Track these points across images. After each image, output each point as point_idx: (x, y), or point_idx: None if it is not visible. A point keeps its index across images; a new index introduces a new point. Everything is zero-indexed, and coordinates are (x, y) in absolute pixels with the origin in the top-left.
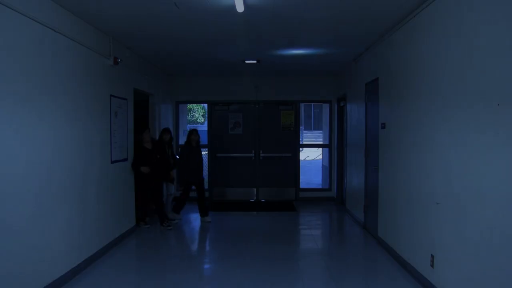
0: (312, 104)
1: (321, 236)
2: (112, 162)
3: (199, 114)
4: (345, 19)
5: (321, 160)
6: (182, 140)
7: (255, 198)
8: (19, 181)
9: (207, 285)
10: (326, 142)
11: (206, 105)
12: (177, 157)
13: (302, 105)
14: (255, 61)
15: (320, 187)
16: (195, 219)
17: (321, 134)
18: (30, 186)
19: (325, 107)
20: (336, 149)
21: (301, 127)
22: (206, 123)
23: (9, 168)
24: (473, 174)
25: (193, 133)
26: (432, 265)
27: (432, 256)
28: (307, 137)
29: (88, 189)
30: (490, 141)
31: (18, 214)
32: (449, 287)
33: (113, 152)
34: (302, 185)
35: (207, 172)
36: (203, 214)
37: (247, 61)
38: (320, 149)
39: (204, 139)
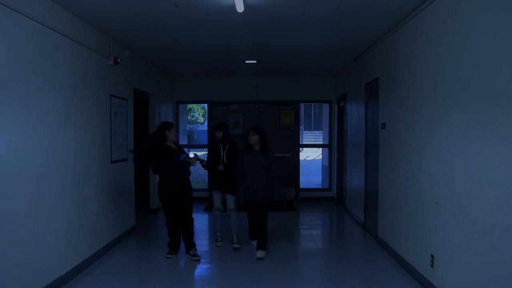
0: (312, 104)
1: (321, 236)
2: (112, 162)
3: (199, 114)
4: (345, 19)
5: (321, 160)
6: (183, 141)
7: None
8: (18, 181)
9: (207, 285)
10: (326, 142)
11: (206, 105)
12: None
13: (302, 105)
14: (255, 61)
15: (320, 187)
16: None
17: (321, 134)
18: (30, 186)
19: (325, 107)
20: (336, 149)
21: (301, 127)
22: (206, 123)
23: (9, 168)
24: (473, 174)
25: (249, 132)
26: (432, 265)
27: (432, 256)
28: (307, 137)
29: (88, 189)
30: (490, 141)
31: (18, 214)
32: (449, 287)
33: (113, 152)
34: (302, 185)
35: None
36: (252, 236)
37: (247, 61)
38: (320, 149)
39: (204, 139)
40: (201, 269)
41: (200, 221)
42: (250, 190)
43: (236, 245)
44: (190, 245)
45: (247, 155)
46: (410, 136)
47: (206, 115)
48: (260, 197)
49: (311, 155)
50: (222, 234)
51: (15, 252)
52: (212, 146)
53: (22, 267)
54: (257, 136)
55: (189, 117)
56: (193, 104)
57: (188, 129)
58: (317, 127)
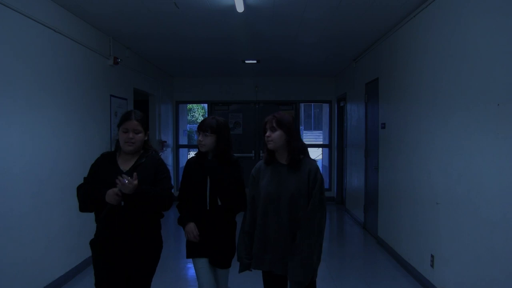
0: (312, 104)
1: None
2: None
3: (199, 114)
4: (345, 19)
5: (321, 160)
6: (183, 141)
7: None
8: (18, 181)
9: None
10: (326, 142)
11: (206, 105)
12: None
13: (302, 105)
14: (255, 61)
15: None
16: None
17: (321, 134)
18: (30, 186)
19: (325, 107)
20: (336, 149)
21: (301, 127)
22: None
23: (9, 167)
24: (473, 174)
25: (265, 125)
26: (432, 265)
27: (432, 256)
28: (307, 137)
29: None
30: (490, 141)
31: (18, 214)
32: (449, 287)
33: None
34: None
35: None
36: None
37: (247, 61)
38: (320, 149)
39: None
40: None
41: None
42: (265, 250)
43: None
44: None
45: (264, 175)
46: (410, 136)
47: (206, 115)
48: (291, 269)
49: (311, 155)
50: None
51: (15, 252)
52: (190, 167)
53: (22, 267)
54: (281, 133)
55: (189, 117)
56: (193, 104)
57: (188, 129)
58: (317, 127)
